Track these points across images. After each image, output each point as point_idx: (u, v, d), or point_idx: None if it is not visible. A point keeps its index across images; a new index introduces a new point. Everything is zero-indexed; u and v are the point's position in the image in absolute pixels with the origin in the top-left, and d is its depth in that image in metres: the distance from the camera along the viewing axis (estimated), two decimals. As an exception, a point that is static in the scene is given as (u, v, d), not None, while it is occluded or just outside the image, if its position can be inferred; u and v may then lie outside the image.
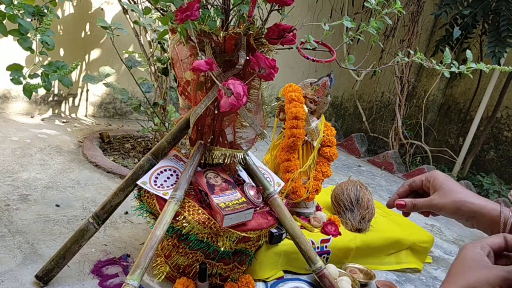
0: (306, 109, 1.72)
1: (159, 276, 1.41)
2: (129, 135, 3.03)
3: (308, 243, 1.48)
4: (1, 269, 1.40)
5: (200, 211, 1.29)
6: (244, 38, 1.20)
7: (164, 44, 2.36)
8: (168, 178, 1.38)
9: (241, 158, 1.40)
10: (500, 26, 3.36)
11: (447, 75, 1.75)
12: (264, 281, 1.59)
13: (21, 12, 1.25)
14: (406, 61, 1.72)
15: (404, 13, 1.77)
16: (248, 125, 1.36)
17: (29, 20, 1.27)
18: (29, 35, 1.26)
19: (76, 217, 1.81)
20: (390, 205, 0.80)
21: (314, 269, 1.47)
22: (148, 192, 1.35)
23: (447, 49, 1.73)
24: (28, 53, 1.29)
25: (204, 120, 1.34)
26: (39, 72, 1.29)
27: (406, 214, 0.79)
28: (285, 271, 1.68)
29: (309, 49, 1.47)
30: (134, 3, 2.28)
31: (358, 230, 1.84)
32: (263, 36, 1.21)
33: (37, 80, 1.28)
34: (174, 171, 1.40)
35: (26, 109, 3.04)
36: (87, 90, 3.27)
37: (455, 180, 1.83)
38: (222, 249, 1.30)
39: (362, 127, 4.73)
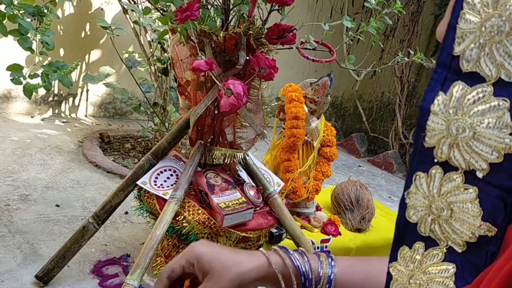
0: (306, 109, 1.72)
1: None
2: (129, 135, 3.03)
3: (308, 243, 1.48)
4: (1, 269, 1.40)
5: (200, 211, 1.29)
6: (244, 38, 1.20)
7: (164, 44, 2.36)
8: (168, 178, 1.38)
9: (241, 158, 1.40)
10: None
11: (447, 75, 1.74)
12: (264, 281, 1.59)
13: (21, 12, 1.25)
14: (406, 61, 1.72)
15: (404, 13, 1.77)
16: (248, 125, 1.36)
17: (29, 20, 1.28)
18: (29, 35, 1.26)
19: (76, 217, 1.81)
20: None
21: (314, 269, 1.46)
22: (148, 192, 1.35)
23: (447, 49, 1.72)
24: (28, 53, 1.29)
25: (204, 120, 1.34)
26: (39, 72, 1.30)
27: None
28: (285, 271, 1.67)
29: (309, 49, 1.47)
30: (134, 3, 2.28)
31: (358, 230, 1.84)
32: (263, 36, 1.21)
33: (37, 80, 1.28)
34: (174, 171, 1.40)
35: (26, 109, 3.04)
36: (87, 90, 3.27)
37: None
38: (222, 249, 1.30)
39: (362, 127, 4.73)
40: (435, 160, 0.35)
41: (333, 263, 0.56)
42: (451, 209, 0.34)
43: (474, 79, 0.32)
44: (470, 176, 0.33)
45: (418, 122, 0.35)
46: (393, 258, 0.40)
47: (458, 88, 0.33)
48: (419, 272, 0.37)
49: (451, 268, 0.35)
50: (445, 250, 0.35)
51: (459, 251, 0.34)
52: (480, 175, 0.33)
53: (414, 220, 0.38)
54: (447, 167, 0.34)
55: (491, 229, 0.32)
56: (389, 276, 0.40)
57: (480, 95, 0.31)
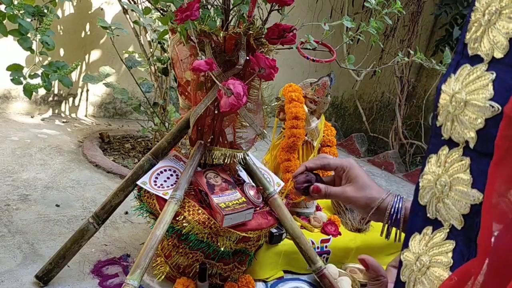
0: (306, 109, 1.72)
1: (159, 276, 1.41)
2: (129, 135, 3.03)
3: (308, 243, 1.48)
4: (1, 269, 1.40)
5: (200, 211, 1.29)
6: (244, 38, 1.20)
7: (164, 44, 2.36)
8: (168, 178, 1.38)
9: (241, 158, 1.40)
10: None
11: (447, 75, 1.74)
12: (264, 281, 1.59)
13: (21, 12, 1.25)
14: (406, 61, 1.72)
15: (404, 13, 1.77)
16: (248, 125, 1.36)
17: (29, 20, 1.28)
18: (29, 35, 1.26)
19: (76, 217, 1.81)
20: (295, 177, 0.75)
21: (314, 269, 1.46)
22: (148, 192, 1.35)
23: (447, 49, 1.73)
24: (28, 53, 1.29)
25: (204, 120, 1.34)
26: (39, 72, 1.30)
27: (309, 197, 0.76)
28: (285, 271, 1.67)
29: (309, 49, 1.47)
30: (134, 3, 2.28)
31: (358, 230, 1.84)
32: (263, 36, 1.21)
33: (37, 80, 1.28)
34: (174, 171, 1.40)
35: (26, 109, 3.04)
36: (87, 90, 3.27)
37: None
38: (222, 249, 1.30)
39: (362, 127, 4.73)
40: (443, 138, 0.38)
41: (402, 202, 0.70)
42: (450, 183, 0.37)
43: (476, 60, 0.36)
44: (467, 149, 0.36)
45: (434, 102, 0.39)
46: (405, 245, 0.41)
47: (465, 69, 0.37)
48: (424, 255, 0.39)
49: (450, 245, 0.37)
50: (447, 230, 0.38)
51: (459, 228, 0.36)
52: (471, 145, 0.35)
53: (424, 203, 0.40)
54: (451, 143, 0.37)
55: (479, 197, 0.34)
56: (400, 264, 0.42)
57: (478, 72, 0.35)
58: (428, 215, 0.39)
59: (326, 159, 0.75)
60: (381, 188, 0.72)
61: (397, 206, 0.68)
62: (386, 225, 0.68)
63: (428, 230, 0.39)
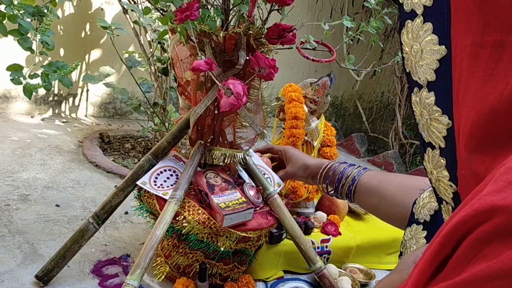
0: (306, 109, 1.72)
1: (159, 276, 1.41)
2: (129, 135, 3.03)
3: (308, 243, 1.48)
4: (1, 269, 1.40)
5: (200, 211, 1.29)
6: (244, 38, 1.20)
7: (164, 44, 2.36)
8: (168, 178, 1.38)
9: (241, 158, 1.40)
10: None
11: (447, 75, 1.74)
12: (264, 281, 1.59)
13: (21, 12, 1.25)
14: (406, 61, 1.72)
15: (404, 13, 1.77)
16: (248, 125, 1.36)
17: (29, 20, 1.28)
18: (29, 35, 1.26)
19: (76, 217, 1.81)
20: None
21: (314, 269, 1.46)
22: (148, 192, 1.35)
23: (447, 49, 1.72)
24: (28, 53, 1.29)
25: (204, 120, 1.34)
26: (39, 72, 1.30)
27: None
28: (285, 271, 1.67)
29: (309, 49, 1.48)
30: (134, 3, 2.28)
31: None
32: (263, 36, 1.21)
33: (37, 80, 1.28)
34: (174, 171, 1.40)
35: (26, 109, 3.04)
36: (87, 90, 3.27)
37: None
38: (222, 249, 1.30)
39: (362, 127, 4.73)
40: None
41: (362, 172, 0.87)
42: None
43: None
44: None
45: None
46: None
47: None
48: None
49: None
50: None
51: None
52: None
53: None
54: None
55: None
56: None
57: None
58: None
59: (270, 145, 1.22)
60: (322, 160, 1.00)
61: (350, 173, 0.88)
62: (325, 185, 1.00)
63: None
